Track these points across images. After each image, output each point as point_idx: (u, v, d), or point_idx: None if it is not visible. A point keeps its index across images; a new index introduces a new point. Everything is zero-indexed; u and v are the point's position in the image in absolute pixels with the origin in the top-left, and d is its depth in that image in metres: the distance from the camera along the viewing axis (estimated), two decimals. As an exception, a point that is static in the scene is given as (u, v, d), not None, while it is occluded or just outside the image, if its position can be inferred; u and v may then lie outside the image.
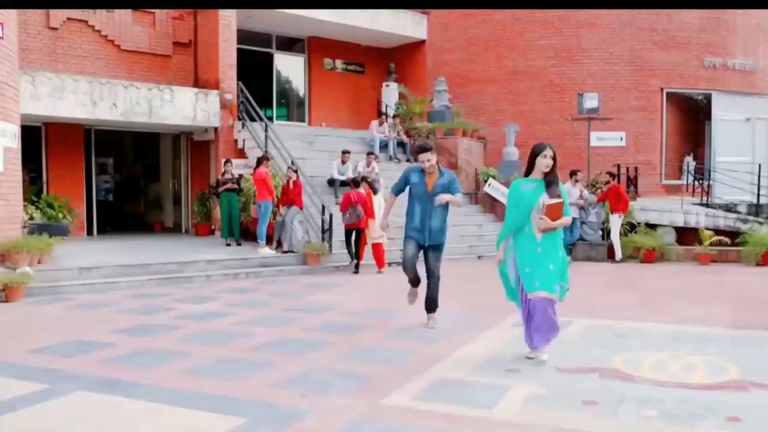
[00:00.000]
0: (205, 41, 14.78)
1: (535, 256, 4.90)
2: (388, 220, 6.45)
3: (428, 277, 6.18)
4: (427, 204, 5.94)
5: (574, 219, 12.47)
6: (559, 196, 4.83)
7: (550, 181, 4.87)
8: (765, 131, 17.47)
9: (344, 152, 13.54)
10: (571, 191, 12.52)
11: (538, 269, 4.89)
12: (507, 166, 15.28)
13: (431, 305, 6.27)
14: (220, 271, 10.11)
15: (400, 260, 6.36)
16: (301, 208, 11.51)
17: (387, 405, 4.04)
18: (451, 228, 13.33)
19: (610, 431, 3.65)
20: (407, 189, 6.14)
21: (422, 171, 5.98)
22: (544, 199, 4.80)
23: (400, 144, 16.02)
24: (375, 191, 11.08)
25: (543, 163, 4.86)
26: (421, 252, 6.13)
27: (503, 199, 13.37)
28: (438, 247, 6.07)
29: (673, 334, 6.08)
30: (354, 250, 10.85)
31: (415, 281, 6.34)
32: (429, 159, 5.87)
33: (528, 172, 4.99)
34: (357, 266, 10.80)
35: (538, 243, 4.92)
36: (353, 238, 10.83)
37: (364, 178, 11.29)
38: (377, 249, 10.90)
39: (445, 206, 6.01)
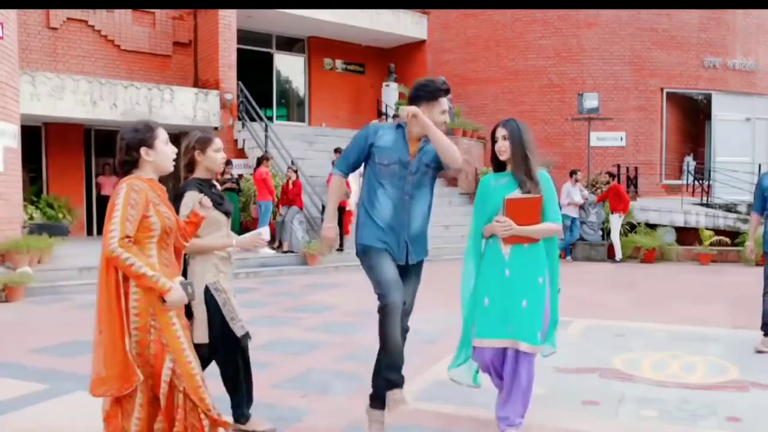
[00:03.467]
0: (205, 41, 14.78)
1: (501, 282, 3.33)
2: (334, 225, 3.55)
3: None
4: (406, 187, 3.33)
5: (573, 219, 12.44)
6: (539, 192, 3.32)
7: (524, 172, 3.33)
8: (765, 131, 17.47)
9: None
10: (571, 191, 12.53)
11: (505, 304, 3.30)
12: (507, 166, 15.28)
13: (395, 380, 3.44)
14: (220, 271, 10.10)
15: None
16: (301, 208, 11.54)
17: (387, 405, 4.03)
18: (449, 228, 13.33)
19: (610, 431, 3.65)
20: (364, 163, 3.46)
21: (399, 128, 3.39)
22: (514, 194, 3.32)
23: None
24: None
25: (495, 148, 3.42)
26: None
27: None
28: (419, 267, 3.53)
29: (673, 334, 6.08)
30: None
31: (399, 367, 3.48)
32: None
33: (494, 163, 3.51)
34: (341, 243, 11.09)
35: (504, 262, 3.33)
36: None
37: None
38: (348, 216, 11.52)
39: (430, 191, 3.46)
